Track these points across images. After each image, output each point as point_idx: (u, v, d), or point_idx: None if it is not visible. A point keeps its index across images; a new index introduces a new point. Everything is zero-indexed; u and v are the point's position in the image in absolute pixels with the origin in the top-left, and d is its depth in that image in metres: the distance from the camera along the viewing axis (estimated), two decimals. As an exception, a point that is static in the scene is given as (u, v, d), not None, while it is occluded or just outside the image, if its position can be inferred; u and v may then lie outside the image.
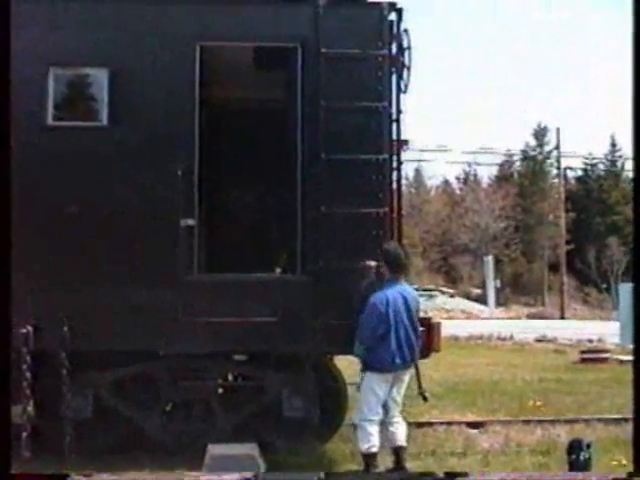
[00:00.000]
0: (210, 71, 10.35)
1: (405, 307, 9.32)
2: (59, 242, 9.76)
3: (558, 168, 66.98)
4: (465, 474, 8.49)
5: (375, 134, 10.18)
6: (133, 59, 10.02)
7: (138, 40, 10.03)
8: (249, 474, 8.11)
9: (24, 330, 9.33)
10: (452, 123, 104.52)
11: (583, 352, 24.04)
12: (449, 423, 12.68)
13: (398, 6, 10.32)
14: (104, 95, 10.01)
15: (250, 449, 9.33)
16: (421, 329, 10.19)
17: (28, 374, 9.37)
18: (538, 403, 14.76)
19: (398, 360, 9.28)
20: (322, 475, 8.22)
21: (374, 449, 9.28)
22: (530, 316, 56.15)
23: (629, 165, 79.12)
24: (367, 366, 9.32)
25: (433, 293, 56.72)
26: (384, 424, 9.45)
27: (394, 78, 10.38)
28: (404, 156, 10.63)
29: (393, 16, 10.34)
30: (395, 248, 9.71)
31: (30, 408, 9.46)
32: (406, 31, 10.40)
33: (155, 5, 10.19)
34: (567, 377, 19.32)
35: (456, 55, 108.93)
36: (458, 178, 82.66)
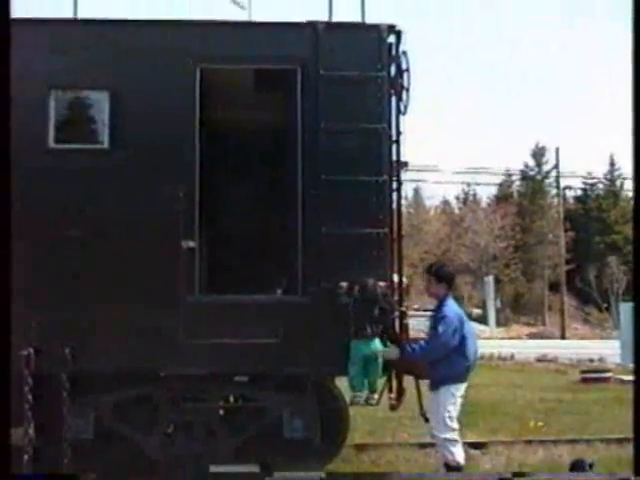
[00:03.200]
0: (210, 93, 10.40)
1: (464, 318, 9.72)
2: (60, 264, 9.78)
3: (557, 187, 67.05)
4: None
5: (375, 155, 10.22)
6: (134, 82, 10.08)
7: (139, 63, 10.09)
8: None
9: (25, 352, 9.32)
10: (451, 143, 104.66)
11: (584, 372, 24.02)
12: (451, 444, 12.64)
13: (397, 28, 10.38)
14: (105, 117, 10.06)
15: (252, 470, 9.33)
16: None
17: (29, 396, 9.36)
18: (539, 423, 14.74)
19: (470, 369, 9.67)
20: (323, 475, 8.23)
21: (462, 460, 9.52)
22: (531, 336, 56.10)
23: (628, 184, 79.30)
24: (439, 381, 9.51)
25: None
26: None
27: (393, 100, 10.43)
28: (404, 177, 10.65)
29: (392, 38, 10.40)
30: (448, 266, 10.78)
31: (31, 430, 9.44)
32: (405, 53, 10.47)
33: (156, 28, 10.26)
34: (568, 397, 19.29)
35: (456, 76, 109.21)
36: (457, 198, 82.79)
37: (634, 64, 5.47)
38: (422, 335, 11.74)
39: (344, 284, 9.81)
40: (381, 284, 9.91)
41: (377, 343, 9.85)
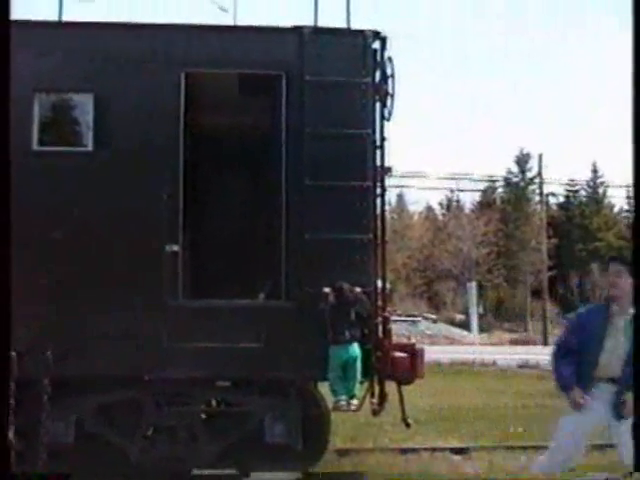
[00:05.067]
0: (195, 97, 10.39)
1: None
2: (43, 267, 9.74)
3: (540, 194, 67.25)
4: None
5: (359, 161, 10.24)
6: (118, 85, 10.06)
7: (123, 66, 10.07)
8: None
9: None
10: (434, 149, 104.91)
11: (565, 378, 24.05)
12: (433, 449, 12.68)
13: (382, 34, 10.41)
14: (89, 120, 10.05)
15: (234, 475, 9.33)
16: (404, 355, 10.25)
17: (11, 400, 9.30)
18: (520, 429, 14.77)
19: None
20: (300, 476, 8.19)
21: None
22: (513, 342, 56.20)
23: (610, 192, 79.78)
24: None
25: (416, 319, 56.69)
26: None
27: (378, 105, 10.45)
28: (387, 182, 10.67)
29: (377, 44, 10.43)
30: None
31: (11, 434, 9.39)
32: (390, 59, 10.49)
33: (141, 32, 10.25)
34: (550, 403, 19.31)
35: (439, 81, 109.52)
36: (441, 204, 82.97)
37: (634, 64, 5.48)
38: (404, 340, 11.79)
39: (327, 289, 9.83)
40: (357, 289, 9.93)
41: (355, 348, 9.87)
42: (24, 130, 9.86)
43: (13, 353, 9.24)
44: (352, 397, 10.01)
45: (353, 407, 10.04)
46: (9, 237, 4.92)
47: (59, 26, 10.30)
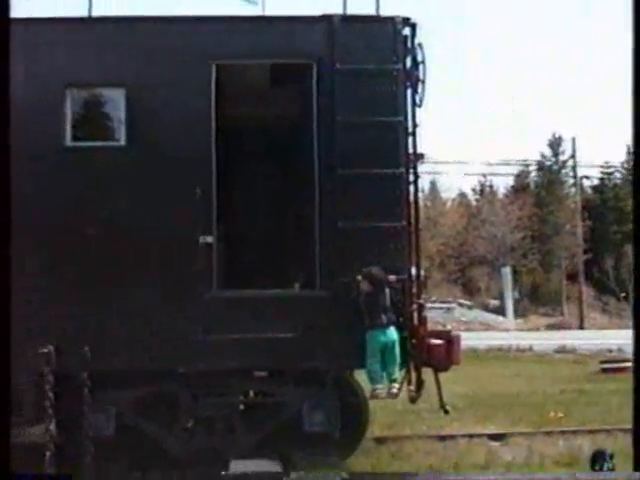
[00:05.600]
0: (226, 89, 10.40)
1: None
2: (79, 262, 9.81)
3: (574, 177, 66.78)
4: None
5: (391, 148, 10.22)
6: (149, 79, 10.10)
7: (154, 60, 10.10)
8: None
9: (46, 350, 9.37)
10: (468, 135, 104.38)
11: (603, 362, 23.94)
12: (471, 436, 12.66)
13: (412, 21, 10.36)
14: (122, 115, 10.09)
15: (273, 465, 9.34)
16: (441, 342, 10.23)
17: (50, 394, 9.40)
18: (559, 414, 14.71)
19: None
20: (344, 475, 8.20)
21: None
22: (549, 327, 55.93)
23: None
24: None
25: (451, 305, 56.51)
26: None
27: (409, 92, 10.41)
28: (420, 169, 10.63)
29: (407, 31, 10.38)
30: None
31: (53, 427, 9.48)
32: (420, 45, 10.44)
33: (171, 25, 10.28)
34: (588, 388, 19.25)
35: (471, 67, 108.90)
36: (474, 190, 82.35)
37: (634, 64, 5.45)
38: (439, 327, 11.75)
39: (359, 277, 9.83)
40: (392, 276, 9.93)
41: (393, 331, 9.89)
42: (58, 126, 9.93)
43: (51, 347, 9.37)
44: (393, 381, 10.03)
45: (394, 390, 10.05)
46: (9, 237, 4.95)
47: (90, 22, 10.33)
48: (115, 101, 10.15)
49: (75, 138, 10.10)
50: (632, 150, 6.43)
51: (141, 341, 9.77)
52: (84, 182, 9.98)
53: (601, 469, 8.22)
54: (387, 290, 9.93)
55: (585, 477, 7.95)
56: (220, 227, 10.59)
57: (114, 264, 9.87)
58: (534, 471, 10.39)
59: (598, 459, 8.44)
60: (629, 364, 23.26)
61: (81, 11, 10.38)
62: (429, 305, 11.40)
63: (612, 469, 8.29)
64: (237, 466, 9.14)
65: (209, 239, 9.91)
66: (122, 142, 10.12)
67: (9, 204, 4.88)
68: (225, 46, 10.21)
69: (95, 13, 10.37)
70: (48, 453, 9.23)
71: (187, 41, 10.18)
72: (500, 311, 59.80)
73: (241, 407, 10.55)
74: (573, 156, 65.71)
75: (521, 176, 78.12)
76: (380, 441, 12.20)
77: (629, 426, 12.93)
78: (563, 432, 12.80)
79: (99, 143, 10.27)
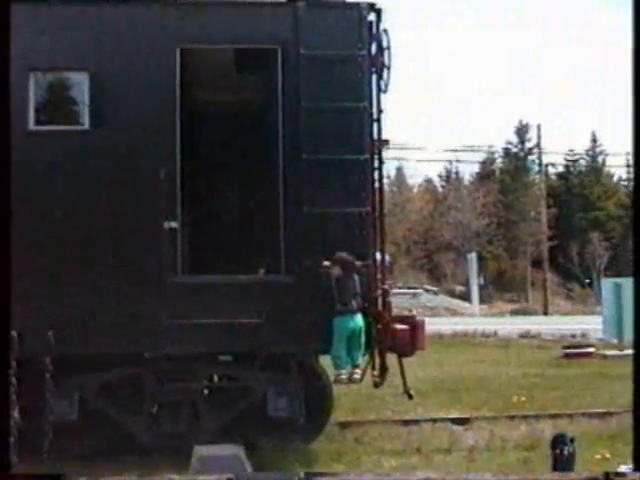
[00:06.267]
0: (191, 73, 10.38)
1: None
2: (42, 247, 9.76)
3: (539, 165, 67.20)
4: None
5: (356, 134, 10.24)
6: (113, 62, 10.04)
7: (118, 43, 10.05)
8: (230, 475, 8.10)
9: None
10: (434, 121, 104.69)
11: (566, 347, 24.15)
12: (434, 420, 12.73)
13: (377, 7, 10.38)
14: (85, 98, 10.04)
15: (236, 450, 9.34)
16: (405, 327, 10.29)
17: (13, 379, 9.34)
18: (522, 399, 14.83)
19: None
20: (302, 475, 8.22)
21: None
22: (514, 312, 56.35)
23: (610, 160, 79.57)
24: None
25: (417, 291, 56.78)
26: None
27: (374, 78, 10.43)
28: (385, 155, 10.67)
29: (372, 16, 10.39)
30: None
31: (16, 413, 9.43)
32: (385, 31, 10.46)
33: (136, 8, 10.22)
34: (551, 372, 19.43)
35: (437, 52, 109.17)
36: (440, 176, 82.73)
37: (634, 64, 5.49)
38: (405, 312, 11.81)
39: (327, 262, 9.86)
40: (358, 262, 9.97)
41: (360, 318, 9.93)
42: (20, 110, 9.86)
43: (14, 333, 9.30)
44: (356, 366, 10.07)
45: (357, 376, 10.10)
46: (9, 237, 4.93)
47: (54, 4, 10.24)
48: (79, 85, 10.09)
49: (38, 122, 10.03)
50: (632, 151, 6.47)
51: (106, 326, 9.75)
52: (47, 166, 9.91)
53: (561, 453, 8.31)
54: (356, 276, 9.97)
55: (586, 477, 8.02)
56: (185, 212, 10.58)
57: (78, 248, 9.83)
58: (495, 454, 10.48)
59: (559, 442, 8.52)
60: (592, 349, 23.61)
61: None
62: (395, 291, 11.42)
63: (572, 453, 8.39)
64: (201, 451, 9.13)
65: (173, 224, 9.89)
66: (86, 126, 10.06)
67: (9, 204, 4.86)
68: (190, 30, 10.18)
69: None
70: (11, 439, 9.18)
71: (152, 25, 10.13)
72: (466, 297, 60.19)
73: (206, 392, 10.57)
74: (538, 144, 66.05)
75: (487, 163, 78.56)
76: (344, 426, 12.24)
77: (591, 410, 13.17)
78: (525, 416, 12.90)
79: (62, 127, 10.20)
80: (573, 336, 30.43)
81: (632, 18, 5.96)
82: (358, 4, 10.37)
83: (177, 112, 10.04)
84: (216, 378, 10.99)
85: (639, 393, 6.33)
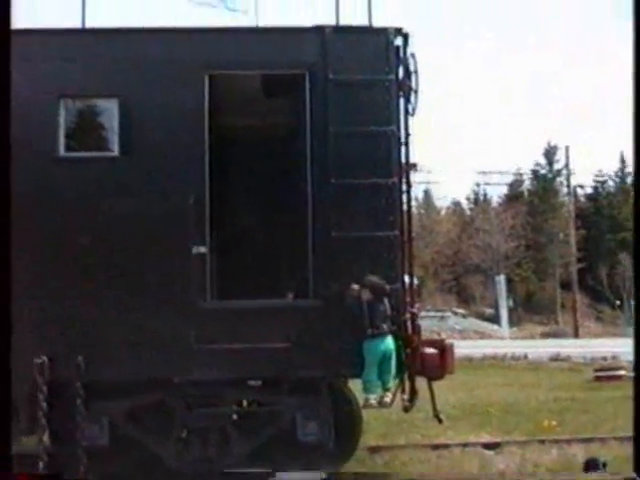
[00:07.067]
0: (219, 99, 10.43)
1: None
2: (73, 272, 9.82)
3: (568, 186, 66.89)
4: None
5: (384, 158, 10.24)
6: (143, 89, 10.12)
7: (147, 70, 10.13)
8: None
9: (39, 360, 9.38)
10: (462, 144, 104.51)
11: (597, 370, 23.95)
12: (464, 444, 12.66)
13: (404, 31, 10.41)
14: (115, 125, 10.11)
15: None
16: (434, 351, 10.25)
17: (44, 404, 9.41)
18: (553, 423, 14.71)
19: None
20: (324, 475, 8.17)
21: None
22: (544, 335, 55.93)
23: None
24: None
25: (445, 314, 56.54)
26: None
27: (402, 102, 10.45)
28: (413, 178, 10.66)
29: (399, 41, 10.43)
30: None
31: (46, 438, 9.49)
32: (412, 55, 10.48)
33: (164, 36, 10.30)
34: (582, 396, 19.26)
35: (466, 75, 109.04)
36: (468, 198, 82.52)
37: (634, 64, 5.48)
38: (435, 336, 11.76)
39: (355, 286, 9.85)
40: (387, 285, 9.96)
41: (391, 341, 9.92)
42: (51, 136, 9.96)
43: (45, 357, 9.38)
44: (387, 390, 10.05)
45: (387, 400, 10.06)
46: (9, 237, 4.95)
47: (84, 33, 10.36)
48: (109, 111, 10.17)
49: (69, 148, 10.11)
50: (633, 154, 6.42)
51: (136, 351, 9.77)
52: (78, 192, 9.99)
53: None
54: (386, 299, 9.95)
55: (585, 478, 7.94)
56: (213, 237, 10.61)
57: (108, 274, 9.88)
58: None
59: (591, 467, 8.43)
60: (623, 372, 23.34)
61: (75, 21, 10.43)
62: (423, 314, 11.37)
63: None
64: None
65: (202, 249, 9.93)
66: (115, 152, 10.14)
67: (9, 205, 4.88)
68: (218, 57, 10.24)
69: (89, 24, 10.41)
70: (41, 463, 9.24)
71: (180, 52, 10.20)
72: (495, 319, 59.84)
73: (235, 417, 10.55)
74: (567, 165, 65.77)
75: (515, 185, 78.27)
76: (374, 450, 12.20)
77: (623, 434, 13.04)
78: (557, 441, 12.80)
79: (92, 154, 10.28)
80: (604, 359, 30.15)
81: (632, 18, 5.94)
82: (385, 29, 10.40)
83: (206, 137, 10.10)
84: (245, 403, 10.97)
85: (639, 393, 6.28)
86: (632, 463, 7.02)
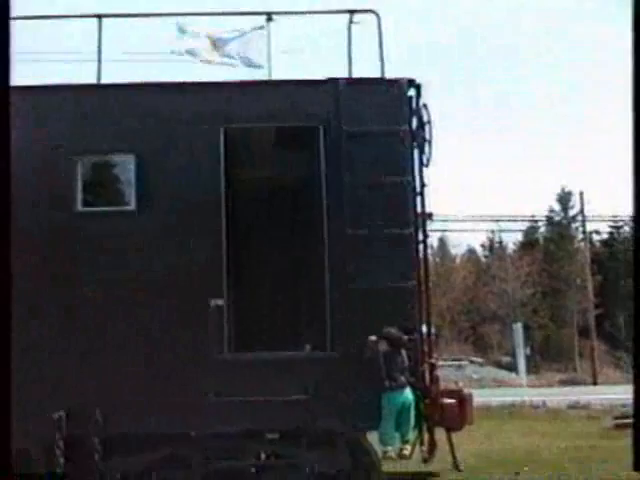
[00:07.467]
0: (235, 152, 10.50)
1: None
2: (90, 327, 9.84)
3: (584, 232, 66.74)
4: None
5: (400, 208, 10.27)
6: (159, 144, 10.20)
7: (163, 125, 10.22)
8: None
9: (56, 416, 9.37)
10: (475, 192, 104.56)
11: (616, 417, 23.71)
12: (485, 495, 12.52)
13: (417, 82, 10.48)
14: (132, 180, 10.18)
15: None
16: (453, 401, 10.19)
17: (61, 460, 9.38)
18: (573, 471, 14.53)
19: None
20: None
21: None
22: (562, 382, 55.41)
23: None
24: None
25: (462, 363, 56.18)
26: None
27: (416, 152, 10.49)
28: (429, 227, 10.67)
29: (412, 92, 10.50)
30: None
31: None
32: (425, 106, 10.55)
33: (179, 91, 10.40)
34: (602, 443, 19.04)
35: (477, 121, 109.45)
36: (483, 246, 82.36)
37: (634, 64, 5.48)
38: (451, 386, 11.70)
39: (373, 338, 9.83)
40: (405, 336, 9.94)
41: (409, 392, 9.86)
42: (69, 192, 10.04)
43: (62, 413, 9.37)
44: (406, 442, 9.98)
45: (406, 452, 9.99)
46: (9, 237, 4.98)
47: (98, 88, 10.48)
48: (125, 166, 10.25)
49: (86, 203, 10.18)
50: (632, 152, 6.39)
51: (153, 405, 9.75)
52: (94, 246, 10.03)
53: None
54: (404, 351, 9.93)
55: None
56: (231, 289, 10.62)
57: (125, 328, 9.89)
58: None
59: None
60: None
61: (89, 77, 10.55)
62: (440, 363, 11.32)
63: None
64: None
65: (220, 302, 9.93)
66: (132, 206, 10.20)
67: (9, 205, 4.91)
68: (233, 110, 10.33)
69: (104, 79, 10.53)
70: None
71: (195, 106, 10.30)
72: (512, 367, 59.35)
73: (253, 470, 10.48)
74: (582, 210, 65.67)
75: (529, 231, 78.16)
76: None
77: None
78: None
79: (109, 208, 10.34)
80: (623, 406, 29.79)
81: (632, 18, 5.96)
82: (398, 80, 10.49)
83: (222, 190, 10.16)
84: (263, 456, 10.90)
85: (639, 395, 6.22)
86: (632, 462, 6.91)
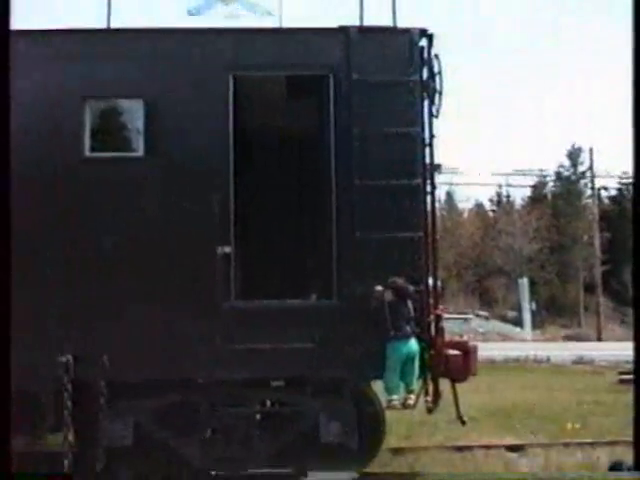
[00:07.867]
0: (244, 100, 10.45)
1: None
2: (97, 273, 9.86)
3: (592, 188, 66.55)
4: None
5: (408, 159, 10.23)
6: (168, 90, 10.15)
7: (173, 71, 10.16)
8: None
9: (64, 359, 9.44)
10: (485, 145, 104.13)
11: (621, 373, 23.80)
12: (488, 447, 12.62)
13: (428, 32, 10.39)
14: (140, 126, 10.15)
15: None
16: (458, 353, 10.23)
17: (69, 403, 9.46)
18: (577, 425, 14.64)
19: None
20: (356, 475, 8.20)
21: None
22: (567, 338, 55.62)
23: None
24: None
25: (468, 316, 56.35)
26: None
27: (426, 103, 10.43)
28: (437, 180, 10.64)
29: (423, 42, 10.41)
30: None
31: (71, 436, 9.54)
32: (437, 56, 10.47)
33: (189, 36, 10.33)
34: (606, 399, 19.14)
35: (488, 77, 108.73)
36: (491, 200, 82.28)
37: (634, 64, 5.45)
38: (457, 338, 11.74)
39: (379, 288, 9.84)
40: (411, 287, 9.96)
41: (415, 342, 9.90)
42: (76, 137, 10.01)
43: (70, 357, 9.44)
44: (410, 392, 10.03)
45: (411, 401, 10.06)
46: (9, 238, 4.99)
47: (107, 33, 10.41)
48: (134, 112, 10.21)
49: (93, 149, 10.15)
50: (632, 149, 6.35)
51: (159, 351, 9.80)
52: (102, 192, 10.03)
53: None
54: (410, 301, 9.95)
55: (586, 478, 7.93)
56: (238, 237, 10.63)
57: (132, 275, 9.91)
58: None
59: (616, 470, 8.40)
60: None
61: (99, 22, 10.50)
62: (446, 316, 11.34)
63: (630, 480, 8.25)
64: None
65: (227, 249, 9.94)
66: (140, 153, 10.17)
67: (9, 205, 4.91)
68: (242, 58, 10.27)
69: (113, 24, 10.47)
70: (66, 461, 9.30)
71: (205, 52, 10.23)
72: (517, 322, 59.57)
73: (258, 417, 10.56)
74: (591, 167, 65.44)
75: (538, 187, 77.92)
76: (397, 452, 12.18)
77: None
78: (581, 443, 12.74)
79: (117, 154, 10.31)
80: (628, 362, 29.87)
81: (632, 18, 5.91)
82: (409, 30, 10.40)
83: (230, 138, 10.12)
84: (268, 403, 10.98)
85: (639, 393, 6.26)
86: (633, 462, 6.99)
